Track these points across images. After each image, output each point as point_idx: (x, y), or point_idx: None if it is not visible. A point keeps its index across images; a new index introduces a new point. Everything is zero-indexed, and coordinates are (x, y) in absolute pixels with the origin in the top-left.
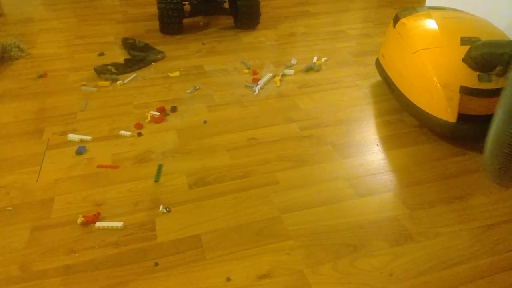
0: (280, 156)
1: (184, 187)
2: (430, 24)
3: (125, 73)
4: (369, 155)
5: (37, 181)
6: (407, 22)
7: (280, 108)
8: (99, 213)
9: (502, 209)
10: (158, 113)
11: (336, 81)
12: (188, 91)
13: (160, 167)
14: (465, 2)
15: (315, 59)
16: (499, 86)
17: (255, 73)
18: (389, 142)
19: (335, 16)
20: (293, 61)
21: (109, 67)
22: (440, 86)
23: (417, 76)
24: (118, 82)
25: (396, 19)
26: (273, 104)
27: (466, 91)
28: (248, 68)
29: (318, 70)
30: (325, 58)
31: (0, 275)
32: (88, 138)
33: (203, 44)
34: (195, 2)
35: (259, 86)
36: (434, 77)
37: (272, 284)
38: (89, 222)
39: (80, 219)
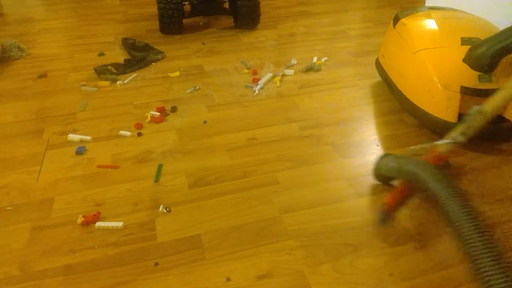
0: (280, 156)
1: (184, 187)
2: (430, 24)
3: (125, 73)
4: (369, 155)
5: (37, 181)
6: (407, 22)
7: (280, 108)
8: (99, 213)
9: (502, 209)
10: (158, 113)
11: (336, 81)
12: (188, 91)
13: (160, 167)
14: (465, 2)
15: (315, 59)
16: (499, 86)
17: (255, 73)
18: (389, 142)
19: (335, 16)
20: (293, 61)
21: (109, 67)
22: (440, 86)
23: (417, 76)
24: (118, 82)
25: (396, 19)
26: (273, 104)
27: (467, 91)
28: (248, 68)
29: (318, 70)
30: (325, 58)
31: (0, 275)
32: (88, 138)
33: (203, 44)
34: (195, 2)
35: (259, 86)
36: (434, 77)
37: (272, 284)
38: (89, 222)
39: (80, 219)
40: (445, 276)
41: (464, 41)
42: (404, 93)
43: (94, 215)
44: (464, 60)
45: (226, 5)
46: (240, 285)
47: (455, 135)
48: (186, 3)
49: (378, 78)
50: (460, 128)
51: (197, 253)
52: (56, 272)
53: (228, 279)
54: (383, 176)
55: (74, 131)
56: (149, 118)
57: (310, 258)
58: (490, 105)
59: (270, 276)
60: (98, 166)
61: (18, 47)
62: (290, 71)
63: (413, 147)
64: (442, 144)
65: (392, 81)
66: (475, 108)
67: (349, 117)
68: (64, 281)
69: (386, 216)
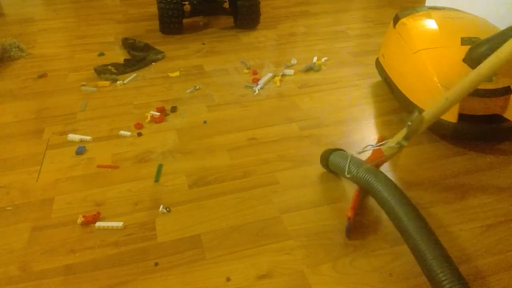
0: (280, 156)
1: (184, 187)
2: (430, 24)
3: (125, 73)
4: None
5: (37, 181)
6: (407, 22)
7: (280, 108)
8: (99, 213)
9: (502, 209)
10: (158, 113)
11: (336, 81)
12: (188, 91)
13: (160, 167)
14: (465, 2)
15: (315, 59)
16: (499, 86)
17: (255, 73)
18: None
19: (335, 16)
20: (293, 61)
21: (109, 67)
22: (440, 86)
23: (417, 76)
24: (118, 82)
25: (396, 19)
26: (273, 104)
27: None
28: (248, 68)
29: (318, 70)
30: (325, 58)
31: (0, 275)
32: (88, 138)
33: (203, 44)
34: (195, 2)
35: (259, 86)
36: (434, 77)
37: (272, 284)
38: (89, 222)
39: (80, 219)
40: None
41: (464, 41)
42: (404, 93)
43: (94, 215)
44: (464, 60)
45: (226, 5)
46: (240, 285)
47: (399, 139)
48: (186, 3)
49: (378, 78)
50: (403, 134)
51: (197, 253)
52: (56, 272)
53: (228, 279)
54: (329, 168)
55: (74, 131)
56: (149, 118)
57: (310, 258)
58: (430, 114)
59: (270, 276)
60: (98, 166)
61: (18, 47)
62: (290, 71)
63: (359, 150)
64: (388, 147)
65: (392, 81)
66: (417, 115)
67: (349, 117)
68: (64, 281)
69: (351, 227)
